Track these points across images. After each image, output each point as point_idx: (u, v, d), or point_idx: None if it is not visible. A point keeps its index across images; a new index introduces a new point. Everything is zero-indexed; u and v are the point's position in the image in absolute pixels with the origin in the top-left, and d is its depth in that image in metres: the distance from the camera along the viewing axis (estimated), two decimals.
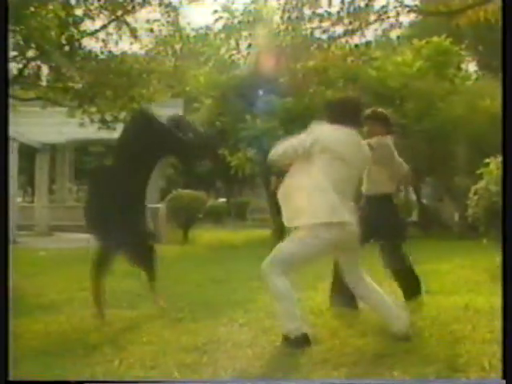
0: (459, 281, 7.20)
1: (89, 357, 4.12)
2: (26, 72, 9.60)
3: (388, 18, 9.40)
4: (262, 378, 3.70)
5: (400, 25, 10.00)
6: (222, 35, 15.78)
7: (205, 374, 3.73)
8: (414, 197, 19.16)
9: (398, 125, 14.33)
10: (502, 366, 3.07)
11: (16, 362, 4.02)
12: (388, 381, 3.45)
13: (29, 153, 21.46)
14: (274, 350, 4.18)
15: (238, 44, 13.43)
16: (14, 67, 9.85)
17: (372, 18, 9.31)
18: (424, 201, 19.66)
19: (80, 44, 9.25)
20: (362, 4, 9.16)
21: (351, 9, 9.14)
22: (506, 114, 3.18)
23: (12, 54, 9.29)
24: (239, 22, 12.51)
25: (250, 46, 12.89)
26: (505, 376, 2.99)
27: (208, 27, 20.99)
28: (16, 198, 17.80)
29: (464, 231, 14.61)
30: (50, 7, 8.85)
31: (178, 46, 11.82)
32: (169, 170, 25.71)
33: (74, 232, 18.88)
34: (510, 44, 3.21)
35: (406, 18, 23.15)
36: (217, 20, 14.05)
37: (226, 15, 14.05)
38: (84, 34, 9.40)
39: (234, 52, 14.22)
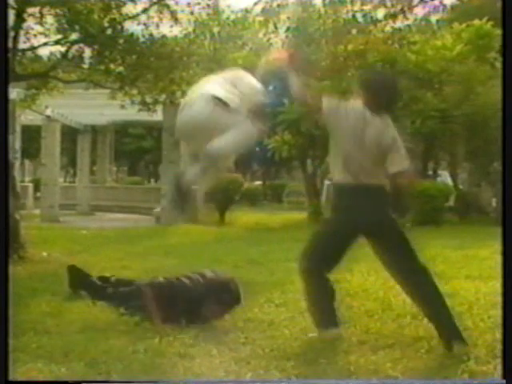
0: (498, 266, 7.13)
1: (131, 333, 4.24)
2: (70, 55, 9.74)
3: (432, 0, 9.30)
4: (297, 359, 3.71)
5: (444, 8, 9.89)
6: (261, 18, 15.75)
7: (242, 353, 3.81)
8: (450, 182, 18.97)
9: (437, 109, 14.29)
10: (502, 366, 3.08)
11: (62, 336, 4.18)
12: (388, 381, 3.45)
13: (71, 134, 21.88)
14: (310, 331, 4.19)
15: (276, 27, 13.35)
16: (57, 50, 10.03)
17: (415, 1, 9.22)
18: (461, 186, 19.41)
19: (122, 27, 9.34)
20: None
21: None
22: (505, 113, 3.13)
23: (56, 37, 9.46)
24: (278, 6, 12.46)
25: (288, 29, 12.82)
26: (505, 376, 3.00)
27: (247, 10, 21.00)
28: (58, 179, 18.18)
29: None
30: None
31: (216, 30, 11.81)
32: None
33: (114, 212, 19.27)
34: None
35: (448, 1, 22.77)
36: (256, 3, 14.01)
37: None
38: (126, 17, 9.48)
39: (273, 35, 14.14)
